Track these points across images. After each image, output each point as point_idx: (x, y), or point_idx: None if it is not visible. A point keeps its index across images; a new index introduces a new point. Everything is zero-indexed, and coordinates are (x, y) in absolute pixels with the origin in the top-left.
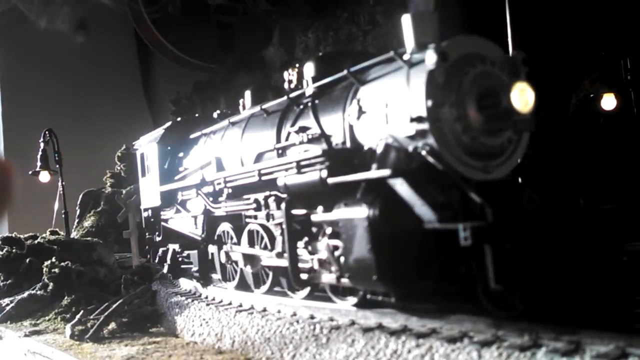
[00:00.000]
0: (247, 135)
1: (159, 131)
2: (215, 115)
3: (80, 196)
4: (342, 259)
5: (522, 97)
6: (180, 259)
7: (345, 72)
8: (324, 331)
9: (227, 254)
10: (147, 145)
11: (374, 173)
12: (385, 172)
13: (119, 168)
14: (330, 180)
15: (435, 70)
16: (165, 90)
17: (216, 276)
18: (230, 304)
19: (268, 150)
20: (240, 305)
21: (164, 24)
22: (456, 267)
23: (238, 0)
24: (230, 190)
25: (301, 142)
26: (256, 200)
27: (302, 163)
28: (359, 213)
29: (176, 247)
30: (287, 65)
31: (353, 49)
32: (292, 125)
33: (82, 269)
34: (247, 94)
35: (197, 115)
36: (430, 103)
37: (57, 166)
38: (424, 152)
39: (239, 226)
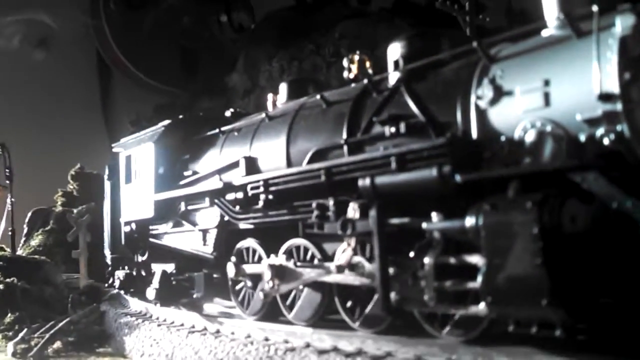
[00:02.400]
0: (296, 129)
1: (156, 129)
2: (228, 113)
3: (29, 214)
4: (481, 278)
5: None
6: (174, 283)
7: (474, 44)
8: (278, 353)
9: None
10: (138, 147)
11: (559, 163)
12: (577, 162)
13: (71, 187)
14: (461, 177)
15: (632, 37)
16: (124, 110)
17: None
18: (182, 324)
19: (334, 147)
20: (193, 326)
21: (127, 44)
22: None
23: (204, 27)
24: (271, 197)
25: (393, 135)
26: (321, 207)
27: (409, 157)
28: (523, 215)
29: (169, 268)
30: (249, 92)
31: None
32: (376, 114)
33: (28, 286)
34: (283, 86)
35: (200, 114)
36: (627, 77)
37: (7, 182)
38: (607, 141)
39: (271, 242)
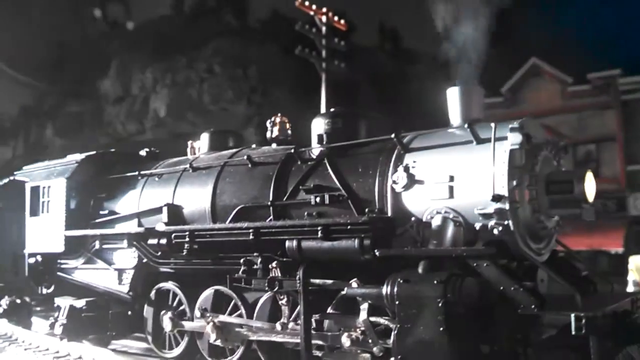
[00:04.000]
0: (222, 185)
1: (69, 165)
2: (143, 153)
3: None
4: (393, 338)
5: (591, 185)
6: (83, 317)
7: (392, 135)
8: None
9: (173, 320)
10: (47, 180)
11: (461, 250)
12: (477, 250)
13: None
14: (379, 252)
15: (518, 150)
16: None
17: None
18: (47, 349)
19: (260, 206)
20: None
21: None
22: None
23: (77, 20)
24: (196, 246)
25: (318, 204)
26: (248, 262)
27: (334, 228)
28: (430, 291)
29: (78, 303)
30: (121, 100)
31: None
32: (302, 182)
33: None
34: (205, 136)
35: (112, 150)
36: (513, 183)
37: None
38: (496, 232)
39: (190, 286)
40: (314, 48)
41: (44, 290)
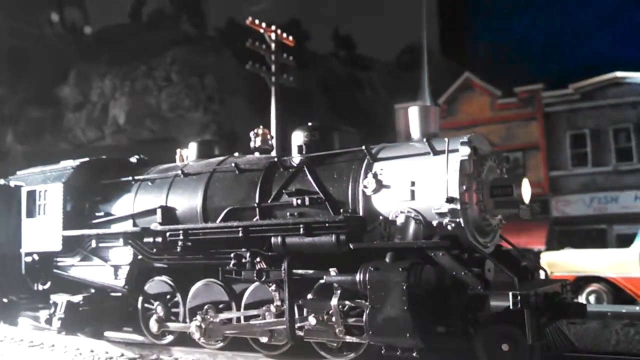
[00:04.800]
0: (212, 189)
1: (65, 170)
2: (134, 159)
3: None
4: (365, 317)
5: (527, 190)
6: (81, 311)
7: (363, 147)
8: None
9: (158, 322)
10: (44, 184)
11: (421, 243)
12: (434, 243)
13: None
14: (353, 246)
15: (467, 161)
16: None
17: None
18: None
19: (248, 208)
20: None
21: None
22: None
23: (34, 25)
24: (189, 243)
25: (299, 205)
26: (238, 256)
27: (315, 225)
28: (396, 277)
29: (75, 298)
30: (81, 107)
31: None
32: (285, 187)
33: None
34: (193, 146)
35: (104, 157)
36: (463, 188)
37: None
38: (449, 228)
39: (182, 279)
40: (265, 63)
41: (40, 287)
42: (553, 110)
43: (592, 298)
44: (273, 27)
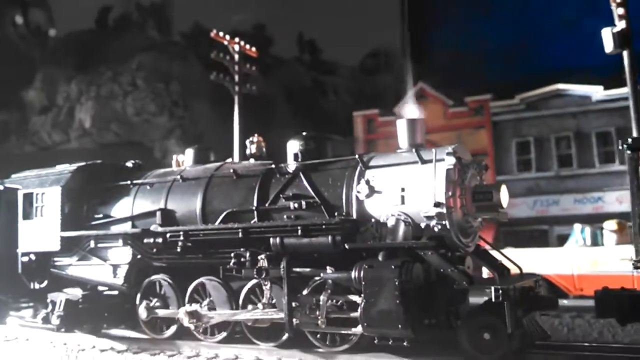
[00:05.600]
0: (211, 193)
1: (62, 174)
2: (129, 164)
3: None
4: (360, 310)
5: (505, 195)
6: (80, 308)
7: (356, 156)
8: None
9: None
10: (41, 187)
11: (412, 243)
12: (423, 243)
13: None
14: (348, 246)
15: (453, 169)
16: None
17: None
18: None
19: (246, 211)
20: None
21: None
22: (441, 317)
23: None
24: (189, 244)
25: (296, 209)
26: (237, 256)
27: (312, 227)
28: (389, 273)
29: (72, 296)
30: (47, 110)
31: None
32: (282, 191)
33: None
34: (189, 152)
35: (100, 161)
36: (449, 194)
37: None
38: (436, 229)
39: (180, 277)
40: (229, 73)
41: (36, 286)
42: (500, 119)
43: None
44: (237, 39)
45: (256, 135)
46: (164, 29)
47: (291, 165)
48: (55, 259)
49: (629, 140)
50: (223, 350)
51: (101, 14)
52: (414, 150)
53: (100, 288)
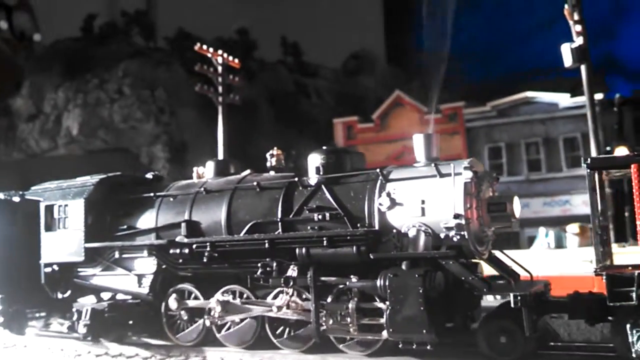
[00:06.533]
0: (235, 205)
1: (85, 187)
2: (149, 176)
3: None
4: (386, 316)
5: (517, 206)
6: (106, 317)
7: (377, 169)
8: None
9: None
10: (63, 199)
11: (434, 253)
12: (444, 253)
13: None
14: (373, 256)
15: (470, 183)
16: None
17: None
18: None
19: (271, 222)
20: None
21: None
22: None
23: None
24: (215, 254)
25: (320, 220)
26: (264, 265)
27: (337, 238)
28: (413, 282)
29: (99, 306)
30: (34, 118)
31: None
32: (305, 203)
33: None
34: (210, 164)
35: (119, 173)
36: (467, 206)
37: None
38: (455, 239)
39: (205, 286)
40: (213, 84)
41: (60, 295)
42: (473, 126)
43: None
44: (220, 52)
45: (275, 148)
46: (149, 35)
47: (313, 178)
48: (79, 269)
49: (589, 159)
50: (245, 355)
51: (87, 22)
52: (433, 164)
53: (120, 296)
